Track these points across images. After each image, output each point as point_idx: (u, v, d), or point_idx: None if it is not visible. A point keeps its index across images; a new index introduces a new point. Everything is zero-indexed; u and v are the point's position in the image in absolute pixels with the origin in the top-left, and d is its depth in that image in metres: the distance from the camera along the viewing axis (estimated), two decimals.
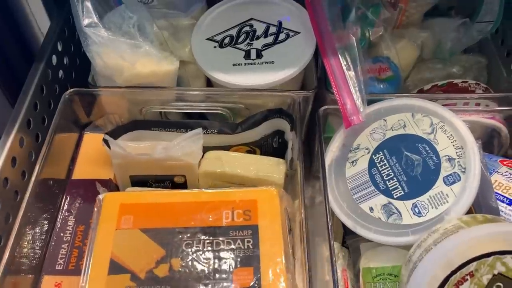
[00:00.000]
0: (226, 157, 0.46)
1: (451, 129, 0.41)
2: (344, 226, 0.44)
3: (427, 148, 0.42)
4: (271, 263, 0.37)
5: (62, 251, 0.42)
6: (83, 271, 0.37)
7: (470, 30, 0.56)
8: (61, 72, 0.52)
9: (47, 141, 0.44)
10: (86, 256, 0.38)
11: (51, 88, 0.50)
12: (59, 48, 0.52)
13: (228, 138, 0.48)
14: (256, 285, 0.36)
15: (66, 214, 0.44)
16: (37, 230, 0.42)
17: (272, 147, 0.49)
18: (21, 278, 0.40)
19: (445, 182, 0.40)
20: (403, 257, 0.40)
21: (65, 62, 0.53)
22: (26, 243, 0.40)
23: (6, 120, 0.44)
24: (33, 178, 0.42)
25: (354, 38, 0.45)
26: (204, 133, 0.45)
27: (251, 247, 0.38)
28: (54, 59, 0.50)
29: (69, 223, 0.43)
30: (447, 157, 0.40)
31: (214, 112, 0.50)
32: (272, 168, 0.45)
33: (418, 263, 0.35)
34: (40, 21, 0.56)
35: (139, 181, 0.46)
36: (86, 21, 0.43)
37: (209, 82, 0.54)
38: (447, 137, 0.41)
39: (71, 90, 0.47)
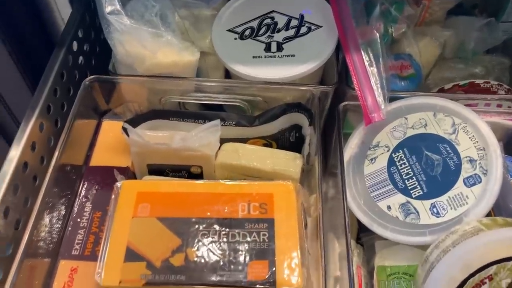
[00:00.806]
0: (243, 150, 0.46)
1: (474, 130, 0.41)
2: (359, 223, 0.44)
3: (448, 149, 0.41)
4: (286, 257, 0.37)
5: (78, 236, 0.42)
6: (99, 257, 0.37)
7: (494, 30, 0.55)
8: (81, 59, 0.52)
9: (67, 126, 0.44)
10: (102, 243, 0.38)
11: (71, 75, 0.50)
12: (80, 34, 0.52)
13: (246, 131, 0.47)
14: (271, 278, 0.36)
15: (83, 200, 0.44)
16: (55, 215, 0.42)
17: (289, 141, 0.49)
18: (38, 262, 0.40)
19: (465, 184, 0.39)
20: (419, 256, 0.40)
21: (85, 48, 0.53)
22: (44, 227, 0.41)
23: (26, 106, 0.44)
24: (52, 163, 0.42)
25: (377, 33, 0.45)
26: (222, 125, 0.45)
27: (266, 240, 0.38)
28: (75, 45, 0.50)
29: (86, 209, 0.44)
30: (468, 158, 0.40)
31: (232, 104, 0.50)
32: (288, 162, 0.45)
33: (435, 264, 0.34)
34: (61, 7, 0.56)
35: (156, 170, 0.47)
36: (108, 8, 0.43)
37: (228, 74, 0.53)
38: (469, 138, 0.41)
39: (92, 77, 0.47)
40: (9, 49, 0.52)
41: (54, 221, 0.42)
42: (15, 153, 0.40)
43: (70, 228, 0.42)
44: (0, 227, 0.38)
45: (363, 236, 0.46)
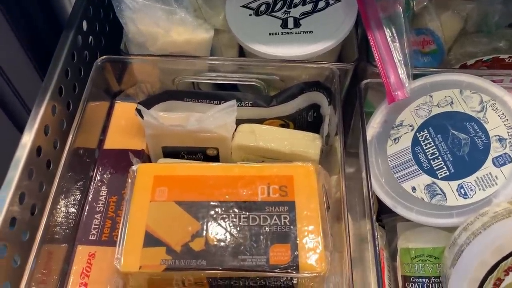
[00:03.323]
0: (260, 131, 0.44)
1: (503, 108, 0.39)
2: (380, 203, 0.43)
3: (476, 127, 0.40)
4: (308, 240, 0.36)
5: (95, 221, 0.41)
6: (117, 243, 0.37)
7: None
8: (91, 38, 0.50)
9: (80, 109, 0.43)
10: (120, 228, 0.37)
11: (82, 55, 0.48)
12: (89, 13, 0.50)
13: (262, 111, 0.46)
14: (293, 262, 0.35)
15: (99, 184, 0.43)
16: (70, 200, 0.42)
17: (307, 121, 0.48)
18: (55, 247, 0.39)
19: (494, 163, 0.38)
20: (444, 238, 0.39)
21: (95, 28, 0.51)
22: (60, 212, 0.40)
23: (35, 91, 0.42)
24: (66, 147, 0.41)
25: (400, 7, 0.43)
26: (238, 106, 0.44)
27: (287, 223, 0.37)
28: (85, 24, 0.49)
29: (101, 194, 0.43)
30: (498, 137, 0.38)
31: (248, 83, 0.48)
32: (307, 143, 0.44)
33: (465, 247, 0.33)
34: None
35: (171, 153, 0.45)
36: None
37: (242, 52, 0.52)
38: (498, 116, 0.39)
39: (103, 57, 0.46)
40: (16, 33, 0.50)
41: (70, 206, 0.42)
42: (28, 138, 0.39)
43: (86, 213, 0.42)
44: (16, 213, 0.37)
45: (384, 217, 0.45)
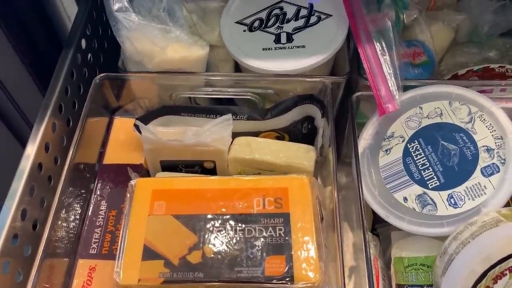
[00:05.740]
0: (256, 144, 0.45)
1: (490, 119, 0.40)
2: (374, 213, 0.44)
3: (465, 138, 0.40)
4: (303, 251, 0.37)
5: (95, 235, 0.42)
6: (117, 256, 0.38)
7: (509, 12, 0.53)
8: (89, 56, 0.52)
9: (79, 125, 0.44)
10: (119, 242, 0.38)
11: (81, 73, 0.50)
12: (88, 32, 0.51)
13: (258, 124, 0.47)
14: (288, 274, 0.36)
15: (98, 199, 0.44)
16: (71, 214, 0.43)
17: (302, 133, 0.49)
18: (57, 261, 0.40)
19: (483, 173, 0.39)
20: (437, 247, 0.39)
21: (93, 45, 0.53)
22: (61, 227, 0.41)
23: (37, 107, 0.44)
24: (66, 163, 0.42)
25: (389, 21, 0.44)
26: (234, 119, 0.45)
27: (283, 235, 0.38)
28: (83, 43, 0.50)
29: (101, 208, 0.44)
30: (486, 148, 0.39)
31: (243, 97, 0.49)
32: (302, 155, 0.45)
33: (454, 256, 0.34)
34: (67, 5, 0.56)
35: (169, 166, 0.46)
36: (116, 6, 0.43)
37: (238, 67, 0.53)
38: (486, 126, 0.40)
39: (102, 74, 0.47)
40: (17, 51, 0.52)
41: (71, 220, 0.43)
42: (29, 155, 0.40)
43: (86, 227, 0.43)
44: (18, 228, 0.38)
45: (378, 227, 0.46)
